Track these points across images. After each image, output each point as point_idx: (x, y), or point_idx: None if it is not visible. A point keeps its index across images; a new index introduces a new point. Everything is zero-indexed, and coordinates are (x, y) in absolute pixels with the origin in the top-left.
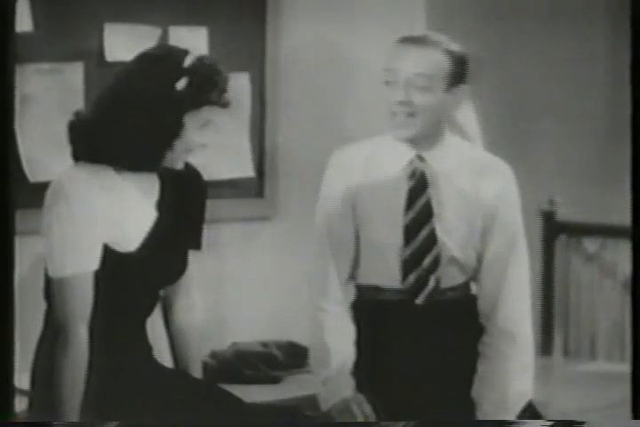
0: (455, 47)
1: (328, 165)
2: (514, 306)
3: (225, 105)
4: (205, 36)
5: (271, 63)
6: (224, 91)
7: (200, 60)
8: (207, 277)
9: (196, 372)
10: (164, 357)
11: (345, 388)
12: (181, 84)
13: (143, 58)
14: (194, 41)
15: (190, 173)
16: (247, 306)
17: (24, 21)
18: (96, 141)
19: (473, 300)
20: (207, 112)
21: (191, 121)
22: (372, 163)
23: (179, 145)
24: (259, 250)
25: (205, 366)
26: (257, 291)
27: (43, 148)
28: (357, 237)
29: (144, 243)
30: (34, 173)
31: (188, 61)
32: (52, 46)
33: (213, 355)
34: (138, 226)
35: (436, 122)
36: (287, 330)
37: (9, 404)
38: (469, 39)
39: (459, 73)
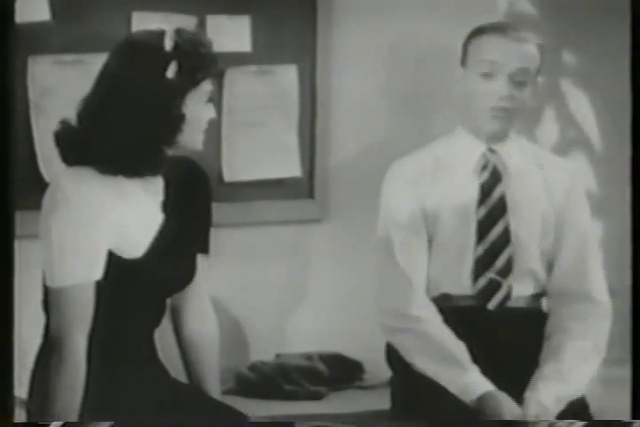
0: (540, 40)
1: (387, 177)
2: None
3: (220, 74)
4: (248, 25)
5: (322, 55)
6: (214, 60)
7: (179, 36)
8: (251, 283)
9: (212, 387)
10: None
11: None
12: (171, 71)
13: (122, 50)
14: (235, 30)
15: (195, 171)
16: (296, 315)
17: (41, 10)
18: (88, 150)
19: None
20: (206, 85)
21: (194, 100)
22: (440, 166)
23: (192, 126)
24: (308, 255)
25: (243, 380)
26: (306, 298)
27: None
28: (430, 246)
29: (151, 247)
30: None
31: (168, 44)
32: (74, 36)
33: (253, 368)
34: (144, 229)
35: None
36: (337, 342)
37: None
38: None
39: (541, 66)
